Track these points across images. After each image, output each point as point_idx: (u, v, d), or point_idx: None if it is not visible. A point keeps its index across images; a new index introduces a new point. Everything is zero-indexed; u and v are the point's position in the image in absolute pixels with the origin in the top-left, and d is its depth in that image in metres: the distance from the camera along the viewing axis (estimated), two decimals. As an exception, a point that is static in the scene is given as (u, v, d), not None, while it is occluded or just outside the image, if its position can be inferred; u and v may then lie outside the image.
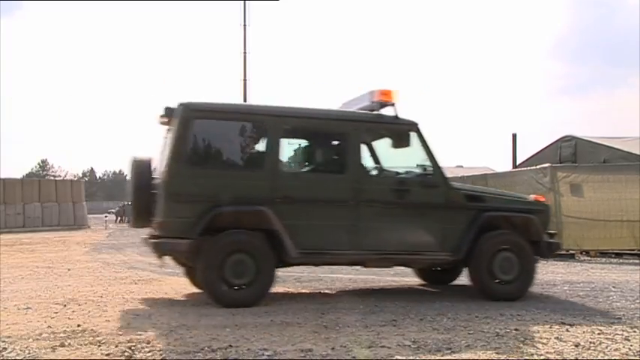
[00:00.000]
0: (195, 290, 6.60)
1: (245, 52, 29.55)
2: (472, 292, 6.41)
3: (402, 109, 5.72)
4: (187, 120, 5.20)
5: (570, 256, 11.07)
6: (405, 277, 7.98)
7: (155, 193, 5.43)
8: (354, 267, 9.35)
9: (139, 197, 5.56)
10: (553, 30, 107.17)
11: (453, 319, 4.88)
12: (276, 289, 6.71)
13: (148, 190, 5.51)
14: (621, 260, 10.98)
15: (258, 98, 42.53)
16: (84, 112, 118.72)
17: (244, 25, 28.82)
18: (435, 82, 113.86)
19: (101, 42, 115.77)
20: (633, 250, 11.20)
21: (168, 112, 5.43)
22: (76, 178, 50.64)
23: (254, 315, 5.05)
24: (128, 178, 6.22)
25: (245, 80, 28.79)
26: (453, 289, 6.70)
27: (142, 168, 5.63)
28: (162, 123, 5.67)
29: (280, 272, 8.51)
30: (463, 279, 6.72)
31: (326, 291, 6.54)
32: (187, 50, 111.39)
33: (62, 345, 4.00)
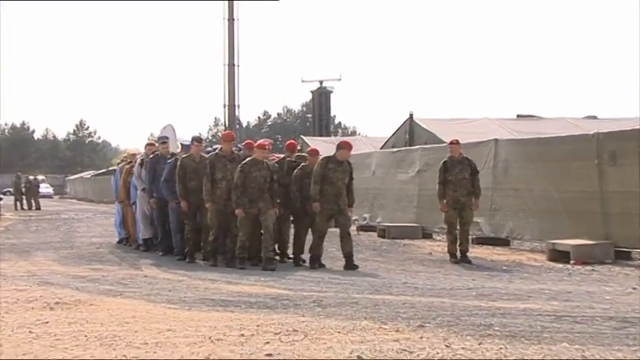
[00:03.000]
0: (150, 318, 6.67)
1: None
2: None
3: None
4: None
5: None
6: (508, 300, 7.94)
7: None
8: (408, 284, 9.41)
9: None
10: None
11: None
12: (284, 316, 6.74)
13: None
14: None
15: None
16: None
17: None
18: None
19: None
20: None
21: None
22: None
23: (247, 361, 5.08)
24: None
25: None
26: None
27: None
28: None
29: (291, 292, 8.61)
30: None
31: (364, 322, 6.52)
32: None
33: None
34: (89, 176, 65.91)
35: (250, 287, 9.09)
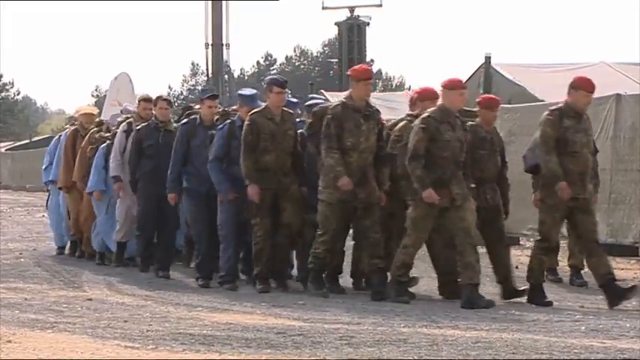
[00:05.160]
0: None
1: None
2: None
3: None
4: None
5: None
6: (637, 339, 7.95)
7: None
8: (482, 312, 9.47)
9: None
10: None
11: None
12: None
13: None
14: None
15: None
16: None
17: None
18: None
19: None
20: None
21: None
22: None
23: None
24: None
25: None
26: None
27: None
28: None
29: (307, 323, 8.66)
30: None
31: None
32: None
33: None
34: (4, 150, 66.30)
35: (245, 316, 9.18)
